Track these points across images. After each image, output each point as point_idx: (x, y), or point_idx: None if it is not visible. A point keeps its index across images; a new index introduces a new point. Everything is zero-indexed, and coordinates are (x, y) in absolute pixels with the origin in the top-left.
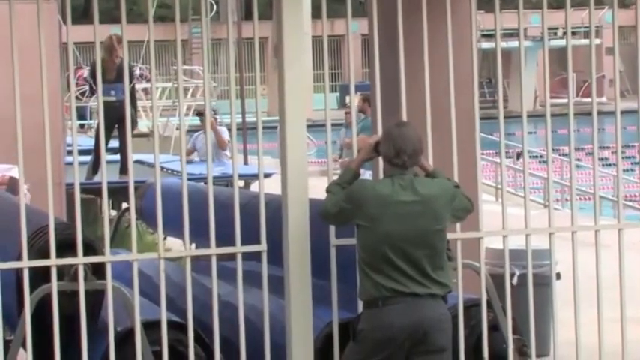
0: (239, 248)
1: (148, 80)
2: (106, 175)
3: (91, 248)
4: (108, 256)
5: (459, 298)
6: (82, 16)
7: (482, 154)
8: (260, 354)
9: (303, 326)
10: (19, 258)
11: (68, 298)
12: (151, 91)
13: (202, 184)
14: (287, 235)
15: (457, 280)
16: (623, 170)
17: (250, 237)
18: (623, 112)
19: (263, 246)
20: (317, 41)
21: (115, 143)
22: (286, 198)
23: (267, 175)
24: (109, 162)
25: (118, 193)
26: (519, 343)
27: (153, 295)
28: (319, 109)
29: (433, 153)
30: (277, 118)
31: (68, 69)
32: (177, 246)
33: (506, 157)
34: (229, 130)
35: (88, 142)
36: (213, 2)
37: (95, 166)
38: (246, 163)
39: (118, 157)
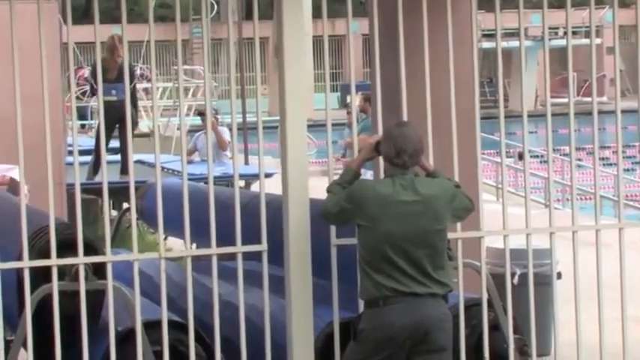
0: (240, 248)
1: (149, 80)
2: (107, 175)
3: (91, 248)
4: (109, 256)
5: (459, 298)
6: (83, 16)
7: (483, 153)
8: (261, 354)
9: (303, 326)
10: (19, 258)
11: (69, 298)
12: (151, 91)
13: (203, 184)
14: (288, 235)
15: (458, 280)
16: (624, 170)
17: (251, 237)
18: (623, 112)
19: (264, 246)
20: (318, 41)
21: (115, 143)
22: (287, 198)
23: (267, 175)
24: (109, 162)
25: (119, 193)
26: (520, 342)
27: (154, 295)
28: (320, 109)
29: (434, 152)
30: (278, 118)
31: (69, 69)
32: (178, 246)
33: (507, 157)
34: (230, 130)
35: (88, 142)
36: (213, 2)
37: (96, 166)
38: (247, 163)
39: (118, 157)
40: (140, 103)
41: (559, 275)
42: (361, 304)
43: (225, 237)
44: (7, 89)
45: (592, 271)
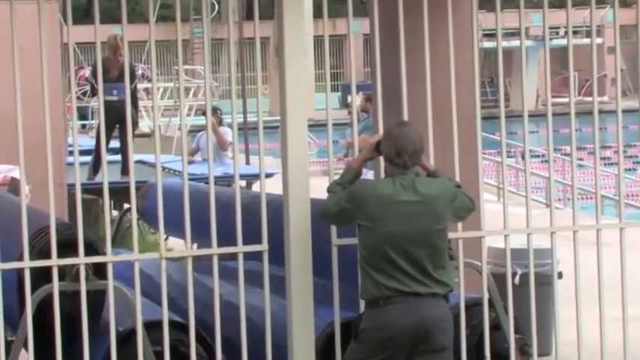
0: (240, 248)
1: (150, 80)
2: (108, 176)
3: (92, 248)
4: (109, 257)
5: (460, 298)
6: (84, 16)
7: (484, 153)
8: (261, 354)
9: (304, 326)
10: (20, 258)
11: (69, 298)
12: (152, 91)
13: (204, 183)
14: (288, 234)
15: (459, 280)
16: (625, 169)
17: (252, 237)
18: (624, 111)
19: (264, 246)
20: (318, 41)
21: (115, 143)
22: (287, 198)
23: (268, 175)
24: (109, 162)
25: (120, 193)
26: (521, 342)
27: (154, 296)
28: (321, 109)
29: (434, 152)
30: (279, 117)
31: (69, 69)
32: (179, 246)
33: (508, 157)
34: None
35: (89, 142)
36: (214, 2)
37: (95, 166)
38: (247, 162)
39: (119, 157)
40: (141, 103)
41: (560, 275)
42: (362, 304)
43: (226, 237)
44: (8, 89)
45: (593, 270)
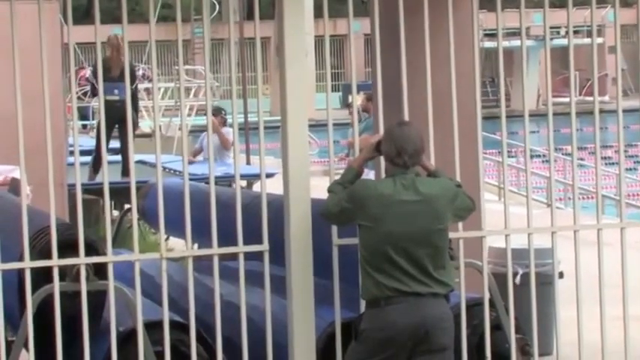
0: (241, 248)
1: (151, 80)
2: (108, 176)
3: (93, 249)
4: (110, 257)
5: (461, 298)
6: (84, 16)
7: (485, 153)
8: (262, 354)
9: (305, 326)
10: (20, 259)
11: (70, 298)
12: (152, 91)
13: (204, 184)
14: (289, 234)
15: (459, 280)
16: (627, 169)
17: (252, 237)
18: (625, 111)
19: (265, 246)
20: (319, 41)
21: (115, 144)
22: (288, 198)
23: (269, 175)
24: (110, 162)
25: (120, 193)
26: (522, 342)
27: (155, 296)
28: (322, 109)
29: (435, 152)
30: (280, 117)
31: (70, 69)
32: (180, 246)
33: (509, 157)
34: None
35: (89, 142)
36: (215, 2)
37: (95, 165)
38: (248, 162)
39: (119, 157)
40: (141, 103)
41: (561, 275)
42: (362, 304)
43: (227, 237)
44: (8, 89)
45: (594, 270)
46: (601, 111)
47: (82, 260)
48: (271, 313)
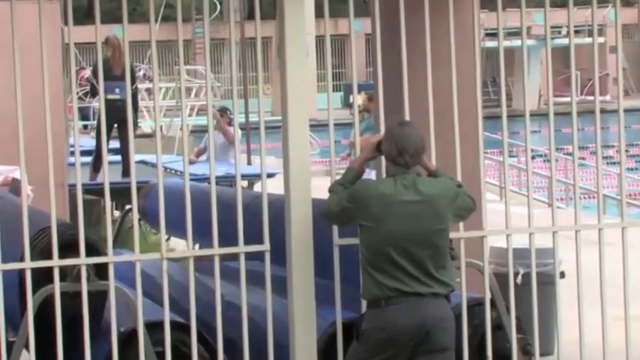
0: (242, 248)
1: (152, 80)
2: (109, 176)
3: (93, 249)
4: (110, 257)
5: (462, 298)
6: (85, 16)
7: (487, 152)
8: (263, 354)
9: (306, 326)
10: (21, 259)
11: (71, 299)
12: (153, 91)
13: (206, 184)
14: (290, 234)
15: (460, 280)
16: (628, 169)
17: (253, 237)
18: (627, 111)
19: (266, 246)
20: (320, 41)
21: (115, 144)
22: (289, 198)
23: (270, 175)
24: (110, 162)
25: (121, 193)
26: (523, 342)
27: (156, 296)
28: (323, 109)
29: (436, 152)
30: (281, 117)
31: (70, 69)
32: (181, 246)
33: (511, 156)
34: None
35: (90, 142)
36: (216, 2)
37: (96, 165)
38: (249, 163)
39: (119, 157)
40: (143, 103)
41: (562, 274)
42: (364, 304)
43: (228, 237)
44: (9, 90)
45: (595, 270)
46: (602, 111)
47: (82, 260)
48: (272, 313)
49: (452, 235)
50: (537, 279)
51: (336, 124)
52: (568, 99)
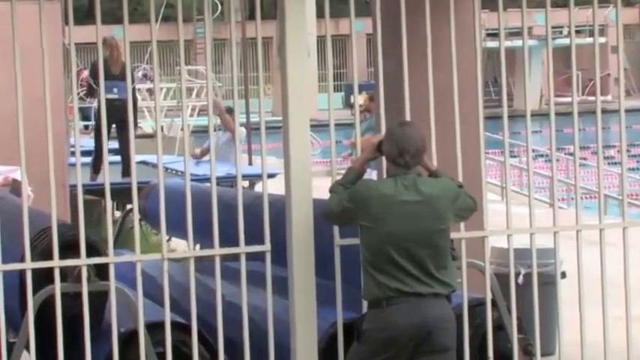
0: (243, 249)
1: (153, 80)
2: (110, 176)
3: (94, 249)
4: (111, 257)
5: (463, 298)
6: (86, 16)
7: (488, 153)
8: (264, 355)
9: (307, 327)
10: (22, 260)
11: (71, 299)
12: (154, 91)
13: (207, 184)
14: (291, 235)
15: (462, 280)
16: (630, 169)
17: (254, 237)
18: (628, 111)
19: (267, 246)
20: (321, 41)
21: (114, 144)
22: (290, 198)
23: (271, 175)
24: (110, 162)
25: (122, 194)
26: (524, 342)
27: (157, 297)
28: (324, 109)
29: (437, 152)
30: (282, 118)
31: (71, 70)
32: (182, 247)
33: (512, 156)
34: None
35: (91, 143)
36: (217, 2)
37: (95, 165)
38: (250, 163)
39: (118, 157)
40: (144, 104)
41: (563, 275)
42: (365, 304)
43: (229, 237)
44: (9, 90)
45: (596, 270)
46: (603, 111)
47: (83, 261)
48: (273, 313)
49: (453, 235)
50: (538, 279)
51: (337, 125)
52: (569, 99)
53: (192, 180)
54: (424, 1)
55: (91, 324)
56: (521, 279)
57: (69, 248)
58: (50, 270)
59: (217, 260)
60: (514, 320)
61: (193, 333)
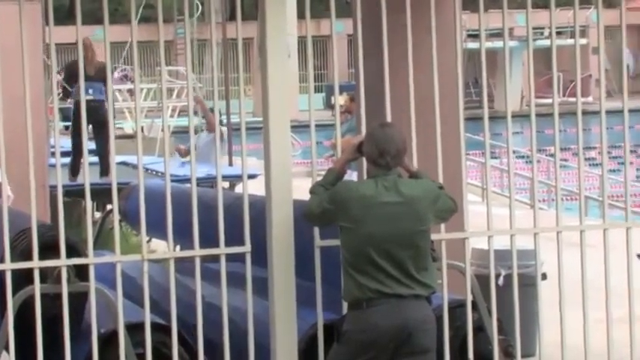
0: (223, 250)
1: (133, 81)
2: (89, 177)
3: (74, 250)
4: (91, 258)
5: (443, 299)
6: (66, 16)
7: (468, 154)
8: (244, 355)
9: (287, 328)
10: (1, 260)
11: (51, 300)
12: (134, 92)
13: (187, 185)
14: (271, 236)
15: (442, 281)
16: (611, 170)
17: (234, 238)
18: (609, 112)
19: (247, 247)
20: (302, 42)
21: (90, 145)
22: (270, 199)
23: (251, 176)
24: (90, 163)
25: (102, 194)
26: (505, 343)
27: (137, 297)
28: (305, 110)
29: (418, 153)
30: (262, 118)
31: (52, 70)
32: (163, 247)
33: (492, 158)
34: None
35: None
36: (198, 3)
37: (73, 168)
38: (230, 164)
39: (96, 158)
40: (124, 105)
41: (544, 276)
42: (345, 305)
43: (209, 238)
44: None
45: (577, 272)
46: (584, 112)
47: (63, 262)
48: (253, 314)
49: (433, 236)
50: (519, 280)
51: (317, 125)
52: (550, 100)
53: (172, 181)
54: (405, 1)
55: (71, 324)
56: (501, 280)
57: (49, 249)
58: (30, 271)
59: (197, 261)
60: (494, 322)
61: (173, 334)
